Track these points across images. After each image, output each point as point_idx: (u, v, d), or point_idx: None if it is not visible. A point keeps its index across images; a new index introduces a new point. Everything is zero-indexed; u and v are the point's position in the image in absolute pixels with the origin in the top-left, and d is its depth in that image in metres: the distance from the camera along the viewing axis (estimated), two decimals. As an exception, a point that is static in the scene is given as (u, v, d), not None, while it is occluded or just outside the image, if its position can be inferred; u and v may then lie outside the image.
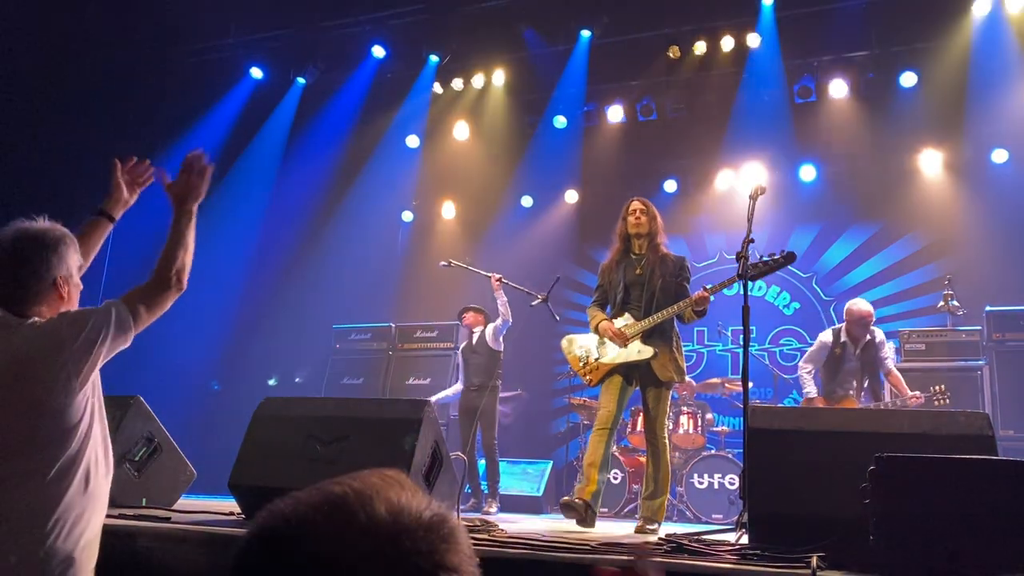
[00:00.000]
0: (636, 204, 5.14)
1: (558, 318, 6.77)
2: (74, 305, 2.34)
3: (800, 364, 6.58)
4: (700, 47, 8.35)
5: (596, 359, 5.04)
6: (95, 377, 2.24)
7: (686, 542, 3.33)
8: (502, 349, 7.12)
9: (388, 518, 0.79)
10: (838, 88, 8.34)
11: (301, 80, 9.51)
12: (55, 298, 2.28)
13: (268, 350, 9.34)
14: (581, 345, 5.17)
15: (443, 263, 7.55)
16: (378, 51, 9.17)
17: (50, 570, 2.06)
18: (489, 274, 7.05)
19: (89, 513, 2.19)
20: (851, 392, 6.26)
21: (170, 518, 3.71)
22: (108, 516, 3.55)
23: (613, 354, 4.97)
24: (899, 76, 8.16)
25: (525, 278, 9.46)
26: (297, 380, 9.26)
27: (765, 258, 4.54)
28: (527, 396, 8.58)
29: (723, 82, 8.64)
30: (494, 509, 6.62)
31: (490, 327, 7.14)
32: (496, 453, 6.91)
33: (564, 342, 5.35)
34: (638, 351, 4.90)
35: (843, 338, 6.33)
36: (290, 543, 0.77)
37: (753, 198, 4.35)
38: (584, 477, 4.84)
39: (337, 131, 9.70)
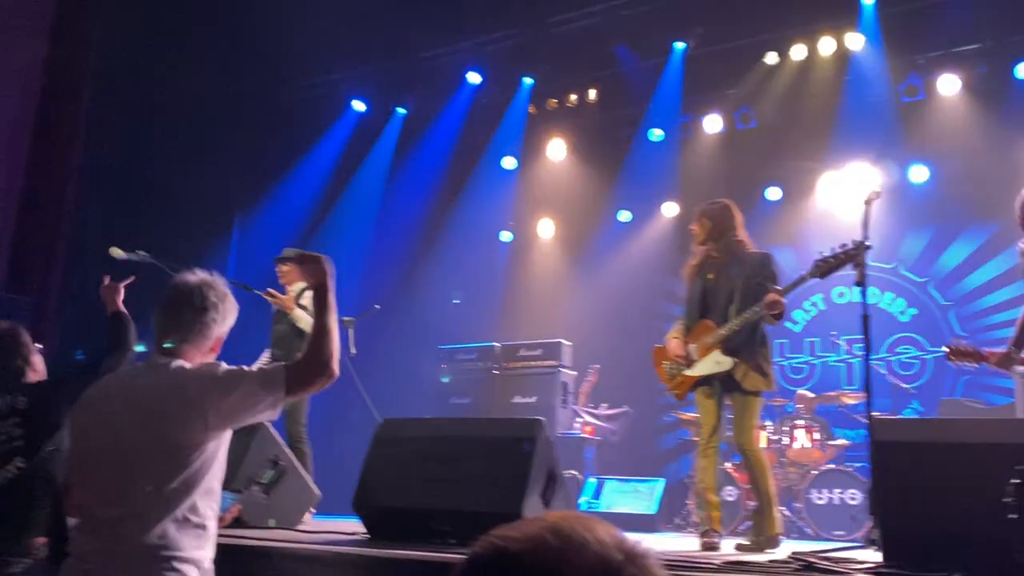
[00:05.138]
0: (693, 222, 4.97)
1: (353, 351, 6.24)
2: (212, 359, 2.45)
3: None
4: (799, 51, 8.19)
5: (681, 372, 4.79)
6: (227, 433, 2.33)
7: (814, 560, 3.25)
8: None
9: (612, 542, 0.86)
10: (948, 84, 8.00)
11: (401, 110, 9.81)
12: (207, 351, 2.42)
13: (379, 372, 9.57)
14: (669, 357, 4.90)
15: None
16: (474, 77, 9.38)
17: None
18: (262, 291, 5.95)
19: (201, 554, 2.28)
20: None
21: (299, 539, 3.85)
22: (242, 537, 3.73)
23: (696, 366, 4.71)
24: (1014, 68, 7.78)
25: (626, 292, 9.47)
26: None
27: (836, 250, 4.26)
28: (633, 413, 8.50)
29: (824, 85, 8.41)
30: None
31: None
32: (306, 444, 5.83)
33: (653, 353, 5.05)
34: (716, 363, 4.61)
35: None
36: (519, 562, 0.84)
37: (868, 203, 4.19)
38: (706, 504, 4.62)
39: (436, 158, 9.93)
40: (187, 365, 2.31)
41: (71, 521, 2.31)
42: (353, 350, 6.28)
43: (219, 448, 2.31)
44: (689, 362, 4.71)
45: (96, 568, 2.16)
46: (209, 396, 2.21)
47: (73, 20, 8.52)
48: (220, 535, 3.65)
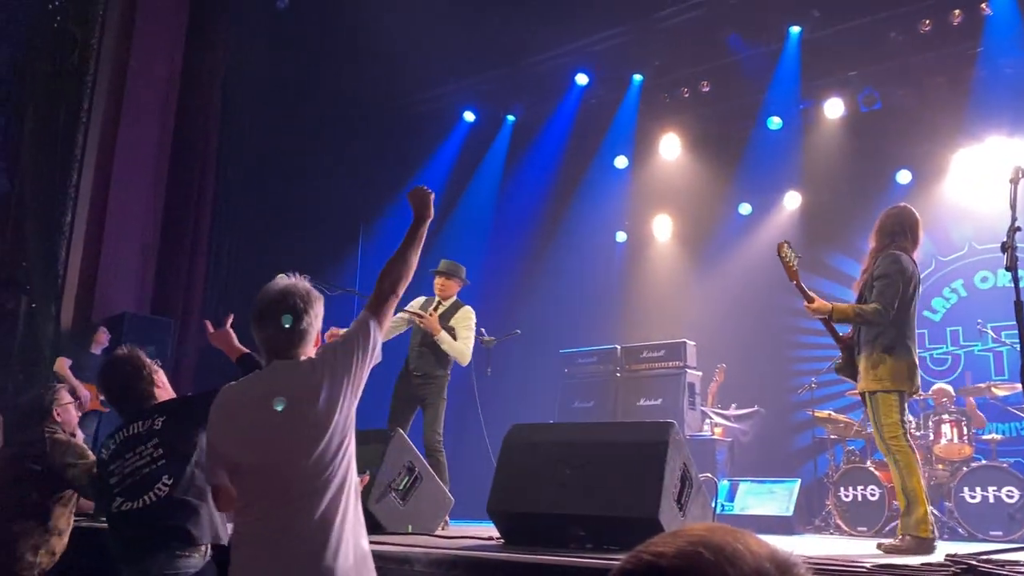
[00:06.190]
0: None
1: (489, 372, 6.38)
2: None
3: None
4: (925, 26, 7.75)
5: None
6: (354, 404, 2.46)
7: (976, 563, 3.05)
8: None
9: (764, 552, 0.82)
10: (1097, 46, 7.41)
11: (511, 118, 9.90)
12: (312, 346, 2.55)
13: (499, 377, 9.65)
14: None
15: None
16: (581, 79, 9.36)
17: None
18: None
19: (359, 529, 2.37)
20: None
21: (438, 544, 3.93)
22: (382, 543, 3.83)
23: None
24: None
25: (750, 288, 9.19)
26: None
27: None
28: (765, 412, 8.25)
29: (954, 60, 7.95)
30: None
31: (463, 315, 5.95)
32: (442, 453, 5.73)
33: None
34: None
35: None
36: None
37: (1014, 182, 3.92)
38: None
39: (548, 162, 9.97)
40: (312, 357, 2.49)
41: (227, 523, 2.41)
42: (488, 370, 6.42)
43: (353, 436, 2.44)
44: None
45: (274, 559, 2.26)
46: (342, 362, 2.39)
47: (203, 55, 9.06)
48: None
